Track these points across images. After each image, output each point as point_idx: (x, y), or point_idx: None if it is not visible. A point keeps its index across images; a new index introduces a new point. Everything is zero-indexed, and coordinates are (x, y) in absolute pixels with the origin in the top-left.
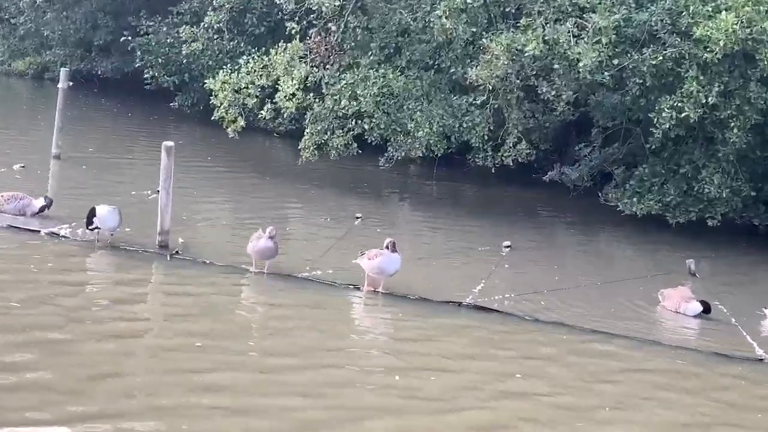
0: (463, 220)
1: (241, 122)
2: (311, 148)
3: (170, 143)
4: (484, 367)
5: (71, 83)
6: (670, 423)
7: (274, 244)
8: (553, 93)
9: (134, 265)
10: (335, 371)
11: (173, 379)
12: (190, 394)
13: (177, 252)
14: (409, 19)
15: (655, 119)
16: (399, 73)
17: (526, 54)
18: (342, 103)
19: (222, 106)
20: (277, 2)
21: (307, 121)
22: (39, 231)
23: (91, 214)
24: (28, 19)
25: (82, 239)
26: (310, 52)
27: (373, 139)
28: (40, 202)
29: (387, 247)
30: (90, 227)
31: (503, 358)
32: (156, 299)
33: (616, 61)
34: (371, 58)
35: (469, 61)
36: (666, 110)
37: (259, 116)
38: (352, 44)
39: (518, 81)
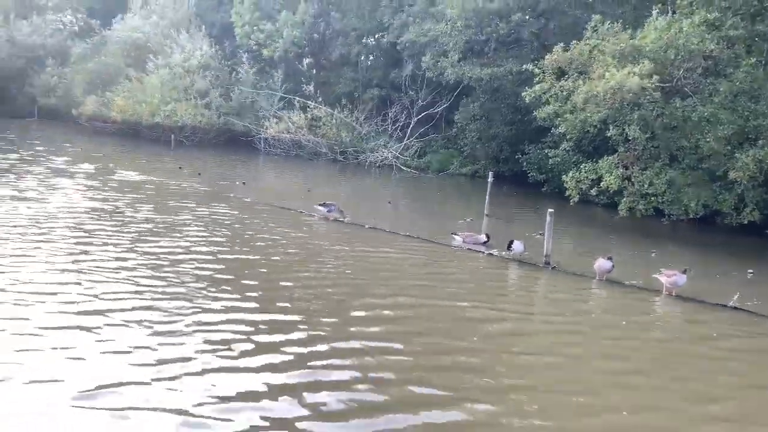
0: (710, 258)
1: (577, 197)
2: (625, 209)
3: (551, 210)
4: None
5: (492, 180)
6: None
7: (611, 263)
8: None
9: (532, 273)
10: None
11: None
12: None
13: (555, 267)
14: (685, 142)
15: None
16: (679, 171)
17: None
18: (645, 185)
19: (571, 189)
20: (607, 134)
21: (622, 195)
22: (483, 252)
23: (510, 243)
24: (468, 142)
25: (504, 257)
26: (622, 162)
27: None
28: (482, 237)
29: (682, 272)
30: (507, 250)
31: None
32: (539, 298)
33: None
34: (661, 162)
35: (725, 161)
36: None
37: (590, 194)
38: (649, 155)
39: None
